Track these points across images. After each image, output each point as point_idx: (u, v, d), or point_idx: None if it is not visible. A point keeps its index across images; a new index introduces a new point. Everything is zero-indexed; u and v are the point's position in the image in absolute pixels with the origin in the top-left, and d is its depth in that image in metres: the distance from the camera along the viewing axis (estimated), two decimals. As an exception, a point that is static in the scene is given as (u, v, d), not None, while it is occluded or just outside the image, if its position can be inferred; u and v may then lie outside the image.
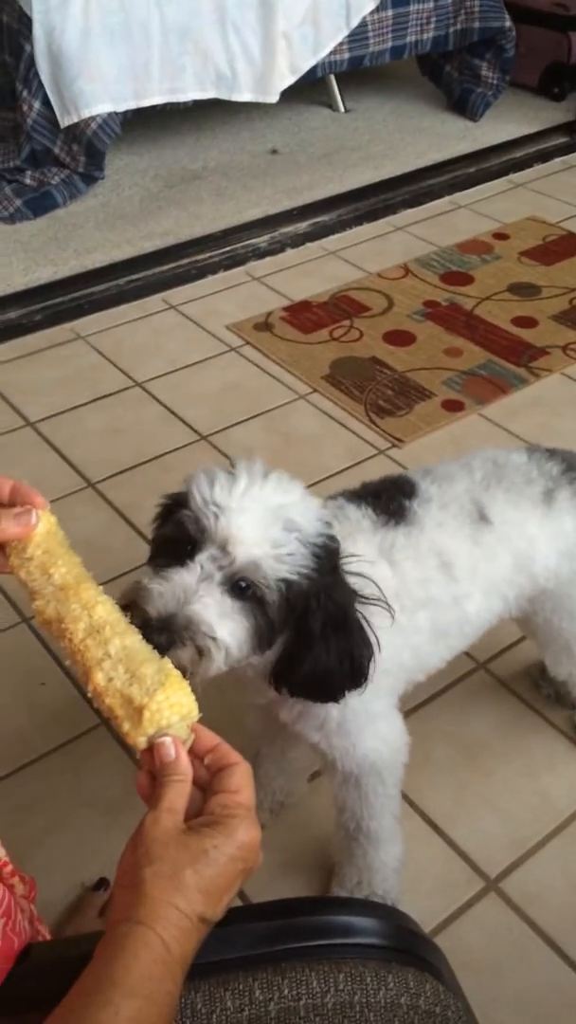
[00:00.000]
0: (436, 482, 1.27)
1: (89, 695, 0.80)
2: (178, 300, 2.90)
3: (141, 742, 0.77)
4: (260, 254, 3.11)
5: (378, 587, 1.09)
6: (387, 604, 1.09)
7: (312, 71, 3.53)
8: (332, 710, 1.15)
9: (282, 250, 3.14)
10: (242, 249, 3.11)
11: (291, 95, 3.56)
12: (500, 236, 3.19)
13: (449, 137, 3.82)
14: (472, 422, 2.37)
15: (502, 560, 1.26)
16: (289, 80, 3.47)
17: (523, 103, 4.09)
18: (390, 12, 3.59)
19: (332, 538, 1.03)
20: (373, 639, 1.06)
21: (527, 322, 2.74)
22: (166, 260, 3.04)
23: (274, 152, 3.73)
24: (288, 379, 2.54)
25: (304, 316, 2.80)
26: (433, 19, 3.70)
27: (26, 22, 3.04)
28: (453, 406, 2.42)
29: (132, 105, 3.23)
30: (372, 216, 3.32)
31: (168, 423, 2.40)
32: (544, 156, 3.72)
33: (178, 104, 3.35)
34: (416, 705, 1.66)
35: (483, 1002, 1.27)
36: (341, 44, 3.53)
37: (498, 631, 1.39)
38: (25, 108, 3.15)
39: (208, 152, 3.74)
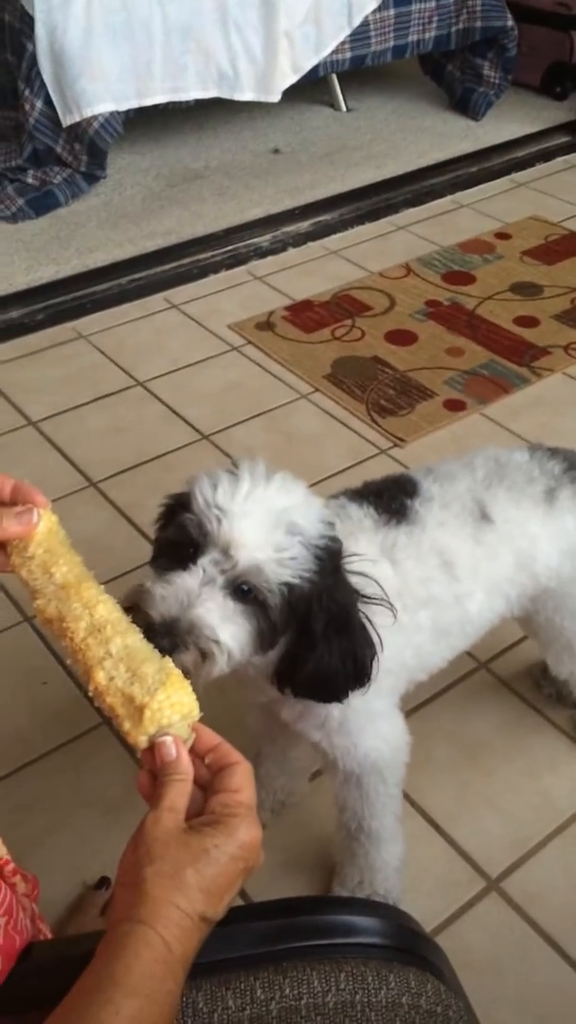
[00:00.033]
0: (438, 481, 1.27)
1: (90, 694, 0.80)
2: (180, 299, 2.90)
3: (142, 741, 0.77)
4: (262, 253, 3.11)
5: (380, 586, 1.09)
6: (389, 603, 1.09)
7: (314, 70, 3.53)
8: (333, 709, 1.15)
9: (284, 249, 3.14)
10: (244, 248, 3.11)
11: (293, 94, 3.56)
12: (502, 236, 3.19)
13: (451, 136, 3.81)
14: (474, 422, 2.37)
15: (504, 559, 1.26)
16: (291, 79, 3.48)
17: (525, 102, 4.09)
18: (392, 11, 3.59)
19: (335, 539, 1.03)
20: (376, 639, 1.06)
21: (529, 322, 2.74)
22: (168, 259, 3.04)
23: (276, 151, 3.73)
24: (290, 378, 2.54)
25: (306, 315, 2.79)
26: (435, 18, 3.70)
27: (28, 21, 3.05)
28: (455, 406, 2.41)
29: (134, 104, 3.23)
30: (374, 215, 3.32)
31: (170, 422, 2.40)
32: (546, 155, 3.72)
33: (180, 103, 3.35)
34: (417, 704, 1.66)
35: (484, 1002, 1.27)
36: (343, 43, 3.53)
37: (499, 630, 1.39)
38: (27, 107, 3.15)
39: (210, 151, 3.74)
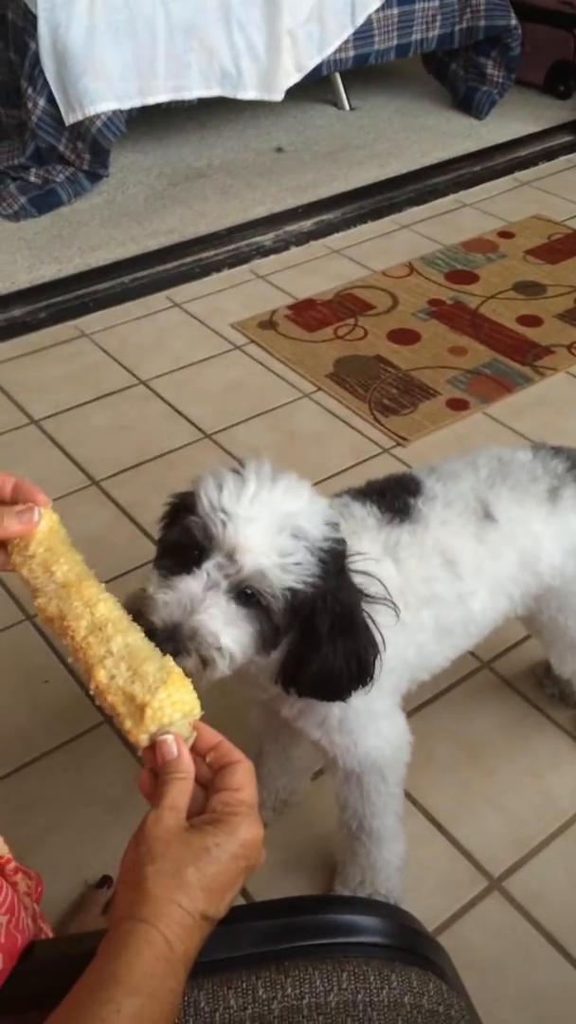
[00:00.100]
0: (441, 480, 1.27)
1: (91, 692, 0.80)
2: (182, 298, 2.90)
3: (143, 740, 0.77)
4: (265, 252, 3.11)
5: (383, 585, 1.09)
6: (392, 602, 1.09)
7: (317, 69, 3.53)
8: (333, 708, 1.15)
9: (287, 248, 3.14)
10: (247, 247, 3.11)
11: (296, 93, 3.56)
12: (505, 234, 3.19)
13: (454, 135, 3.81)
14: (477, 421, 2.37)
15: (507, 558, 1.26)
16: (294, 78, 3.48)
17: (528, 101, 4.08)
18: (395, 10, 3.58)
19: (339, 540, 1.02)
20: (379, 638, 1.06)
21: (532, 321, 2.74)
22: (170, 258, 3.04)
23: (279, 150, 3.73)
24: (292, 377, 2.54)
25: (308, 314, 2.79)
26: (439, 17, 3.70)
27: (31, 19, 3.05)
28: (458, 405, 2.41)
29: (137, 103, 3.23)
30: (377, 214, 3.32)
31: (172, 421, 2.40)
32: (549, 154, 3.72)
33: (183, 102, 3.35)
34: (420, 704, 1.66)
35: (486, 1001, 1.27)
36: (346, 42, 3.53)
37: (502, 630, 1.39)
38: (30, 105, 3.15)
39: (213, 150, 3.74)
